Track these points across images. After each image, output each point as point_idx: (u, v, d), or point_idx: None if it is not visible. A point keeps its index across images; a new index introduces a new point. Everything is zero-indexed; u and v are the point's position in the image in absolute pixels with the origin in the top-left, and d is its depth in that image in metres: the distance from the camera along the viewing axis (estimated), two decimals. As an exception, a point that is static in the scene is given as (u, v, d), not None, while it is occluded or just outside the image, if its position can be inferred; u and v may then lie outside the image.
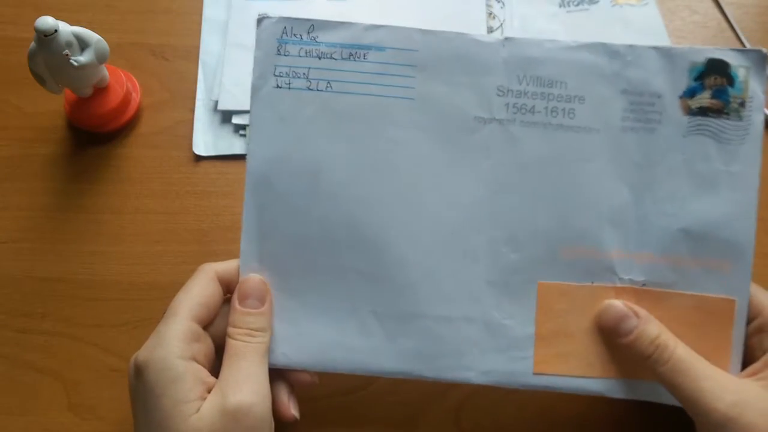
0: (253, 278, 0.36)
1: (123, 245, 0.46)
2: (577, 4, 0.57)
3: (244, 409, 0.31)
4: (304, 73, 0.36)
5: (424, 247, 0.36)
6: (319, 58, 0.36)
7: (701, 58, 0.35)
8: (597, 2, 0.57)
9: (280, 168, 0.36)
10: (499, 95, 0.36)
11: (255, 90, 0.36)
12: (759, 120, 0.35)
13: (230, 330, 0.34)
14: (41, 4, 0.56)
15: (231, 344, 0.34)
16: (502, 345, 0.36)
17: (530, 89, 0.36)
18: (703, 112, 0.35)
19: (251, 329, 0.34)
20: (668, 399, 0.34)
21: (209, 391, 0.32)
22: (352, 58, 0.36)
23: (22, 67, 0.45)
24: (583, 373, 0.36)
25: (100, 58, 0.46)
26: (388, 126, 0.36)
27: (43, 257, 0.45)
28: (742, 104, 0.35)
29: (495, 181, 0.36)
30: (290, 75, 0.36)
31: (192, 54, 0.53)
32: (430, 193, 0.36)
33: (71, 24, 0.44)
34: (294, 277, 0.36)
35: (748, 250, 0.35)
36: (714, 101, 0.35)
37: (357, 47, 0.36)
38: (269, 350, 0.35)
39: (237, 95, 0.51)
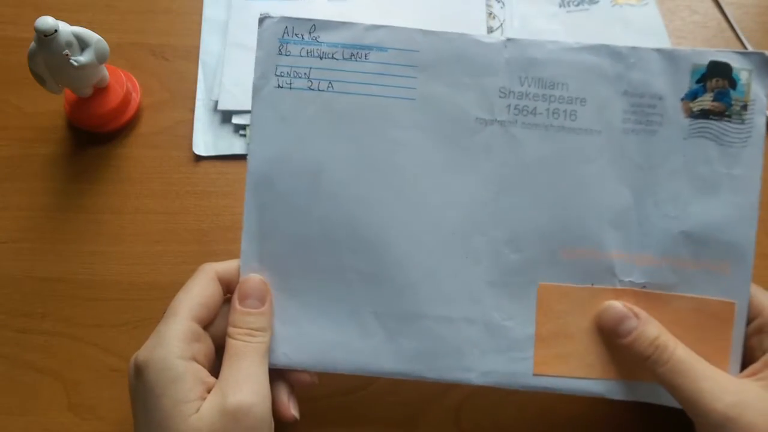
0: (253, 278, 0.36)
1: (123, 245, 0.46)
2: (577, 4, 0.57)
3: (244, 409, 0.31)
4: (305, 73, 0.36)
5: (425, 247, 0.36)
6: (321, 58, 0.36)
7: (703, 61, 0.35)
8: (597, 2, 0.57)
9: (280, 168, 0.36)
10: (500, 96, 0.36)
11: (256, 90, 0.36)
12: (761, 123, 0.35)
13: (230, 330, 0.34)
14: (41, 4, 0.56)
15: (231, 344, 0.34)
16: (502, 346, 0.36)
17: (532, 91, 0.36)
18: (704, 114, 0.35)
19: (251, 329, 0.34)
20: (668, 400, 0.35)
21: (209, 391, 0.32)
22: (353, 58, 0.36)
23: (22, 67, 0.45)
24: (583, 375, 0.36)
25: (100, 58, 0.45)
26: (389, 126, 0.36)
27: (43, 257, 0.45)
28: (744, 107, 0.35)
29: (496, 182, 0.36)
30: (291, 75, 0.36)
31: (192, 54, 0.53)
32: (431, 193, 0.36)
33: (71, 24, 0.44)
34: (294, 277, 0.36)
35: (749, 253, 0.35)
36: (716, 104, 0.35)
37: (358, 47, 0.36)
38: (269, 350, 0.35)
39: (237, 95, 0.50)
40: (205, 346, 0.34)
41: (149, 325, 0.41)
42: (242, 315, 0.35)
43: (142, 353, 0.33)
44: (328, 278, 0.36)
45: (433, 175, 0.36)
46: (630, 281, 0.36)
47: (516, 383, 0.36)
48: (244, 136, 0.50)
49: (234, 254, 0.37)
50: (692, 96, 0.35)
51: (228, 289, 0.36)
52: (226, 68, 0.52)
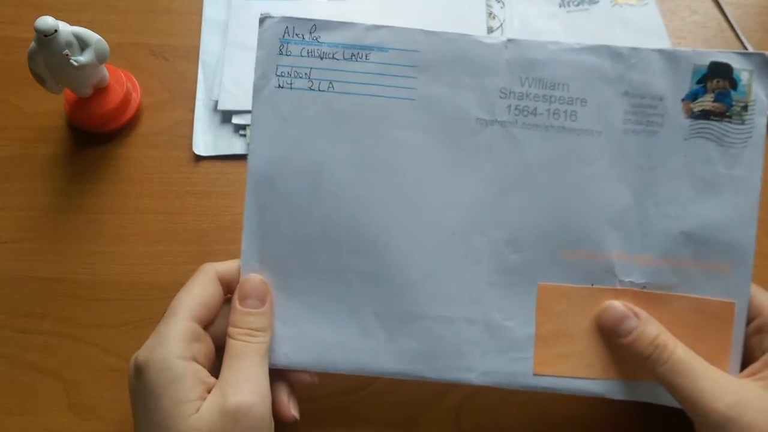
0: (253, 278, 0.36)
1: (123, 245, 0.46)
2: (577, 4, 0.57)
3: (244, 409, 0.31)
4: (306, 73, 0.36)
5: (425, 247, 0.36)
6: (321, 59, 0.36)
7: (704, 61, 0.35)
8: (597, 2, 0.57)
9: (281, 168, 0.36)
10: (501, 97, 0.36)
11: (257, 90, 0.36)
12: (761, 123, 0.35)
13: (231, 330, 0.34)
14: (41, 4, 0.56)
15: (231, 344, 0.34)
16: (503, 346, 0.36)
17: (532, 91, 0.36)
18: (705, 115, 0.35)
19: (252, 329, 0.34)
20: (668, 400, 0.35)
21: (209, 392, 0.32)
22: (354, 58, 0.36)
23: (22, 67, 0.45)
24: (583, 374, 0.36)
25: (100, 58, 0.45)
26: (389, 127, 0.36)
27: (43, 257, 0.45)
28: (745, 108, 0.35)
29: (496, 182, 0.36)
30: (292, 75, 0.36)
31: (192, 54, 0.53)
32: (432, 193, 0.36)
33: (71, 24, 0.44)
34: (295, 278, 0.36)
35: (749, 253, 0.35)
36: (716, 104, 0.35)
37: (359, 47, 0.36)
38: (270, 350, 0.35)
39: (237, 95, 0.50)
40: (205, 346, 0.34)
41: (149, 325, 0.41)
42: (242, 315, 0.35)
43: (142, 353, 0.33)
44: (328, 278, 0.36)
45: (433, 175, 0.36)
46: (630, 281, 0.36)
47: (516, 383, 0.36)
48: (244, 136, 0.50)
49: (234, 254, 0.37)
50: (693, 96, 0.35)
51: (228, 289, 0.36)
52: (226, 68, 0.52)
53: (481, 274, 0.36)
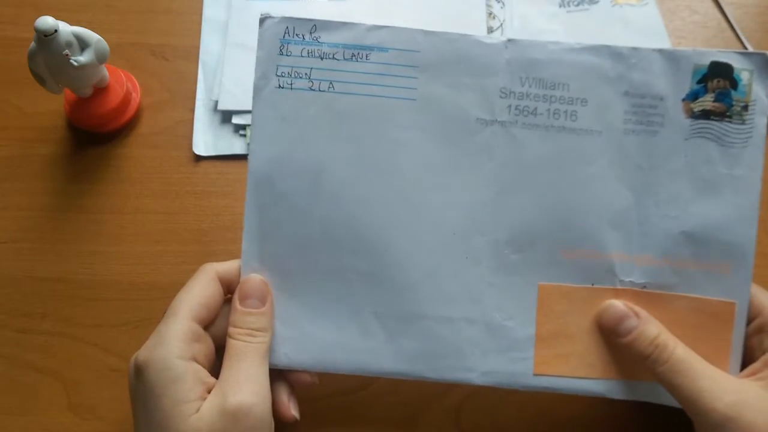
0: (254, 278, 0.36)
1: (123, 245, 0.46)
2: (577, 4, 0.57)
3: (244, 409, 0.31)
4: (306, 74, 0.36)
5: (426, 247, 0.36)
6: (322, 59, 0.36)
7: (705, 61, 0.35)
8: (597, 2, 0.57)
9: (281, 168, 0.36)
10: (501, 97, 0.36)
11: (257, 90, 0.36)
12: (762, 123, 0.35)
13: (231, 330, 0.34)
14: (41, 4, 0.56)
15: (231, 344, 0.34)
16: (503, 346, 0.36)
17: (533, 91, 0.36)
18: (705, 115, 0.35)
19: (252, 329, 0.34)
20: (668, 400, 0.35)
21: (209, 392, 0.32)
22: (354, 58, 0.36)
23: (22, 67, 0.45)
24: (583, 374, 0.36)
25: (100, 58, 0.45)
26: (389, 127, 0.36)
27: (43, 257, 0.45)
28: (745, 107, 0.35)
29: (496, 182, 0.36)
30: (292, 75, 0.36)
31: (192, 54, 0.53)
32: (432, 193, 0.36)
33: (71, 24, 0.44)
34: (295, 278, 0.36)
35: (749, 253, 0.35)
36: (717, 104, 0.35)
37: (359, 48, 0.36)
38: (270, 350, 0.35)
39: (237, 95, 0.50)
40: (206, 346, 0.34)
41: (149, 325, 0.41)
42: (243, 315, 0.35)
43: (142, 353, 0.33)
44: (328, 278, 0.36)
45: (433, 175, 0.36)
46: (630, 281, 0.36)
47: (516, 383, 0.36)
48: (244, 136, 0.50)
49: (234, 254, 0.37)
50: (693, 96, 0.35)
51: (228, 289, 0.36)
52: (226, 68, 0.52)
53: (482, 274, 0.36)
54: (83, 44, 0.45)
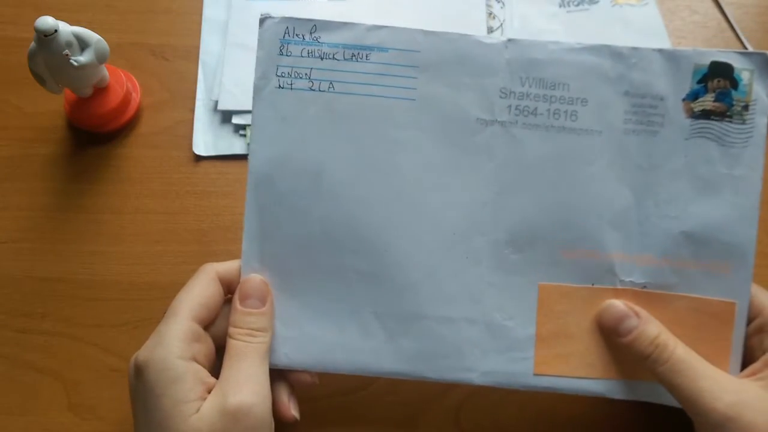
0: (254, 278, 0.36)
1: (123, 245, 0.46)
2: (577, 4, 0.57)
3: (245, 409, 0.31)
4: (306, 74, 0.36)
5: (426, 247, 0.36)
6: (322, 59, 0.36)
7: (705, 61, 0.35)
8: (597, 2, 0.57)
9: (282, 168, 0.36)
10: (501, 97, 0.36)
11: (257, 90, 0.36)
12: (762, 123, 0.35)
13: (231, 330, 0.34)
14: (41, 4, 0.56)
15: (232, 344, 0.34)
16: (503, 346, 0.36)
17: (533, 91, 0.36)
18: (706, 115, 0.35)
19: (252, 329, 0.34)
20: (668, 400, 0.35)
21: (209, 392, 0.32)
22: (354, 58, 0.36)
23: (22, 67, 0.45)
24: (583, 374, 0.36)
25: (100, 58, 0.45)
26: (389, 127, 0.36)
27: (43, 257, 0.45)
28: (746, 107, 0.35)
29: (497, 182, 0.36)
30: (292, 75, 0.36)
31: (192, 54, 0.53)
32: (432, 193, 0.36)
33: (71, 24, 0.44)
34: (295, 278, 0.36)
35: (750, 253, 0.35)
36: (717, 104, 0.35)
37: (359, 48, 0.36)
38: (270, 350, 0.35)
39: (237, 95, 0.50)
40: (206, 346, 0.34)
41: (149, 325, 0.41)
42: (243, 315, 0.35)
43: (142, 353, 0.33)
44: (328, 278, 0.36)
45: (433, 175, 0.36)
46: (630, 281, 0.36)
47: (517, 383, 0.36)
48: (244, 136, 0.50)
49: (234, 254, 0.37)
50: (693, 96, 0.35)
51: (229, 289, 0.36)
52: (226, 68, 0.52)
53: (482, 274, 0.36)
54: (83, 44, 0.45)
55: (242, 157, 0.49)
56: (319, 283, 0.36)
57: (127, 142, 0.50)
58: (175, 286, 0.35)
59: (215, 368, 0.34)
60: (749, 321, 0.35)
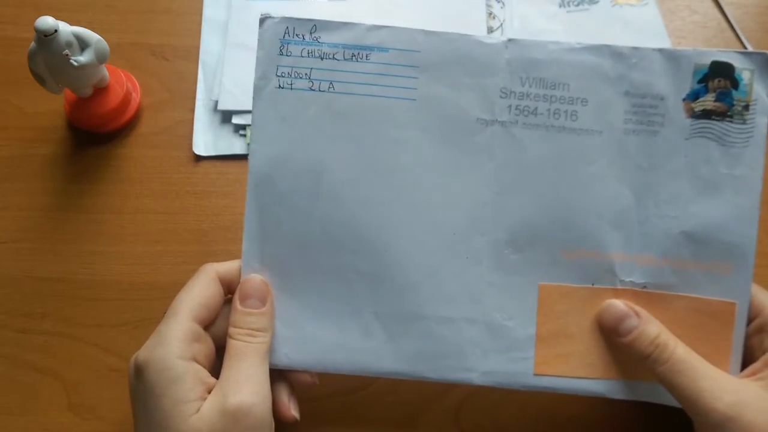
0: (254, 278, 0.36)
1: (123, 245, 0.46)
2: (577, 4, 0.57)
3: (245, 409, 0.31)
4: (306, 74, 0.36)
5: (426, 248, 0.36)
6: (322, 59, 0.36)
7: (706, 61, 0.35)
8: (597, 2, 0.57)
9: (282, 168, 0.36)
10: (501, 97, 0.36)
11: (257, 90, 0.36)
12: (763, 123, 0.35)
13: (231, 330, 0.34)
14: (41, 4, 0.56)
15: (232, 344, 0.34)
16: (503, 346, 0.36)
17: (533, 91, 0.36)
18: (706, 114, 0.35)
19: (252, 329, 0.34)
20: (668, 400, 0.35)
21: (209, 392, 0.32)
22: (354, 58, 0.36)
23: (22, 67, 0.45)
24: (583, 374, 0.36)
25: (100, 58, 0.45)
26: (389, 127, 0.36)
27: (43, 257, 0.45)
28: (746, 107, 0.35)
29: (497, 182, 0.36)
30: (292, 75, 0.36)
31: (192, 54, 0.53)
32: (432, 194, 0.36)
33: (71, 24, 0.44)
34: (295, 278, 0.36)
35: (750, 253, 0.35)
36: (717, 104, 0.35)
37: (359, 48, 0.36)
38: (270, 351, 0.35)
39: (237, 95, 0.50)
40: (206, 346, 0.34)
41: (149, 325, 0.41)
42: (243, 315, 0.35)
43: (143, 353, 0.33)
44: (329, 279, 0.36)
45: (433, 175, 0.36)
46: (630, 281, 0.36)
47: (517, 383, 0.36)
48: (244, 136, 0.50)
49: (234, 254, 0.37)
50: (694, 96, 0.35)
51: (229, 289, 0.36)
52: (226, 68, 0.52)
53: (482, 275, 0.36)
54: (83, 44, 0.45)
55: (242, 157, 0.49)
56: (320, 283, 0.36)
57: (127, 142, 0.50)
58: (175, 286, 0.35)
59: (215, 368, 0.34)
60: (749, 321, 0.35)
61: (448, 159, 0.36)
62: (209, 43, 0.54)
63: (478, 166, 0.36)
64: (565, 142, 0.36)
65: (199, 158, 0.49)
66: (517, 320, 0.36)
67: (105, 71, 0.48)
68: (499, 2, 0.57)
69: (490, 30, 0.55)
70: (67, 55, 0.43)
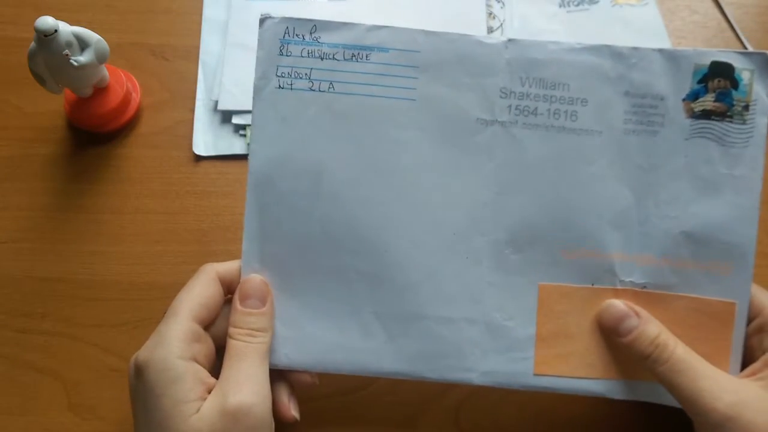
0: (254, 278, 0.36)
1: (123, 245, 0.46)
2: (577, 4, 0.57)
3: (245, 409, 0.31)
4: (306, 74, 0.36)
5: (426, 248, 0.36)
6: (322, 59, 0.36)
7: (705, 61, 0.35)
8: (597, 2, 0.57)
9: (282, 168, 0.36)
10: (501, 97, 0.36)
11: (257, 90, 0.36)
12: (763, 123, 0.35)
13: (231, 330, 0.34)
14: (41, 4, 0.56)
15: (232, 344, 0.34)
16: (503, 346, 0.36)
17: (533, 91, 0.36)
18: (706, 115, 0.35)
19: (252, 329, 0.34)
20: (668, 400, 0.35)
21: (209, 392, 0.32)
22: (354, 58, 0.36)
23: (22, 67, 0.45)
24: (583, 374, 0.36)
25: (100, 58, 0.45)
26: (390, 127, 0.36)
27: (43, 257, 0.45)
28: (746, 107, 0.35)
29: (497, 182, 0.36)
30: (292, 75, 0.36)
31: (192, 54, 0.53)
32: (432, 194, 0.36)
33: (71, 24, 0.44)
34: (295, 278, 0.36)
35: (750, 253, 0.35)
36: (717, 104, 0.35)
37: (359, 48, 0.36)
38: (270, 351, 0.35)
39: (237, 95, 0.50)
40: (206, 346, 0.34)
41: (149, 325, 0.41)
42: (243, 315, 0.35)
43: (143, 353, 0.33)
44: (329, 279, 0.36)
45: (433, 175, 0.36)
46: (630, 281, 0.36)
47: (516, 383, 0.36)
48: (244, 136, 0.50)
49: (234, 254, 0.37)
50: (694, 96, 0.35)
51: (229, 289, 0.36)
52: (226, 68, 0.52)
53: (482, 275, 0.36)
54: (83, 44, 0.45)
55: (242, 157, 0.49)
56: (320, 284, 0.36)
57: (127, 142, 0.50)
58: (175, 286, 0.35)
59: (215, 368, 0.34)
60: (749, 321, 0.35)
61: (448, 159, 0.36)
62: (209, 43, 0.54)
63: (478, 166, 0.36)
64: (565, 142, 0.36)
65: (199, 158, 0.49)
66: (517, 320, 0.36)
67: (105, 71, 0.48)
68: (499, 2, 0.57)
69: (490, 30, 0.55)
70: (67, 55, 0.43)
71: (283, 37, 0.36)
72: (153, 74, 0.53)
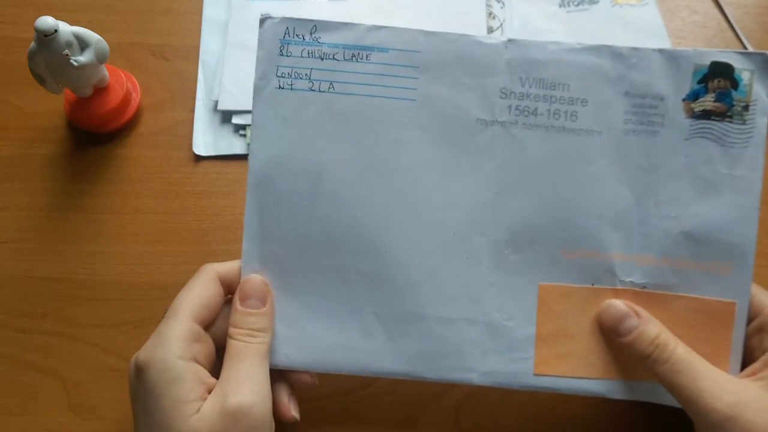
0: (254, 278, 0.36)
1: (123, 245, 0.46)
2: (577, 4, 0.57)
3: (245, 409, 0.31)
4: (306, 74, 0.36)
5: (426, 248, 0.36)
6: (322, 59, 0.36)
7: (705, 61, 0.35)
8: (597, 2, 0.57)
9: (282, 168, 0.36)
10: (501, 97, 0.36)
11: (257, 90, 0.36)
12: (763, 123, 0.35)
13: (231, 330, 0.34)
14: (41, 4, 0.56)
15: (232, 345, 0.34)
16: (503, 346, 0.36)
17: (533, 91, 0.36)
18: (706, 115, 0.35)
19: (252, 330, 0.34)
20: (668, 400, 0.35)
21: (210, 392, 0.32)
22: (354, 59, 0.36)
23: (22, 67, 0.45)
24: (583, 374, 0.36)
25: (100, 58, 0.45)
26: (390, 127, 0.36)
27: (43, 257, 0.45)
28: (746, 107, 0.35)
29: (497, 182, 0.36)
30: (292, 76, 0.36)
31: (192, 54, 0.53)
32: (432, 194, 0.36)
33: (71, 24, 0.44)
34: (295, 278, 0.36)
35: (750, 253, 0.35)
36: (717, 104, 0.35)
37: (360, 48, 0.36)
38: (270, 351, 0.35)
39: (237, 95, 0.50)
40: (206, 346, 0.34)
41: (149, 325, 0.41)
42: (243, 315, 0.35)
43: (143, 353, 0.33)
44: (329, 279, 0.36)
45: (433, 175, 0.36)
46: (630, 281, 0.36)
47: (516, 383, 0.36)
48: (244, 136, 0.50)
49: (234, 254, 0.37)
50: (694, 96, 0.35)
51: (229, 289, 0.36)
52: (226, 68, 0.52)
53: (482, 275, 0.36)
54: (83, 44, 0.45)
55: (242, 157, 0.49)
56: (320, 284, 0.36)
57: (127, 142, 0.50)
58: (175, 286, 0.35)
59: (215, 368, 0.34)
60: (749, 321, 0.35)
61: (448, 159, 0.36)
62: (209, 43, 0.54)
63: (478, 166, 0.36)
64: (565, 142, 0.36)
65: (199, 158, 0.49)
66: (517, 320, 0.36)
67: (105, 71, 0.48)
68: (499, 2, 0.57)
69: (490, 30, 0.55)
70: (67, 55, 0.43)
71: (283, 37, 0.36)
72: (153, 74, 0.53)
